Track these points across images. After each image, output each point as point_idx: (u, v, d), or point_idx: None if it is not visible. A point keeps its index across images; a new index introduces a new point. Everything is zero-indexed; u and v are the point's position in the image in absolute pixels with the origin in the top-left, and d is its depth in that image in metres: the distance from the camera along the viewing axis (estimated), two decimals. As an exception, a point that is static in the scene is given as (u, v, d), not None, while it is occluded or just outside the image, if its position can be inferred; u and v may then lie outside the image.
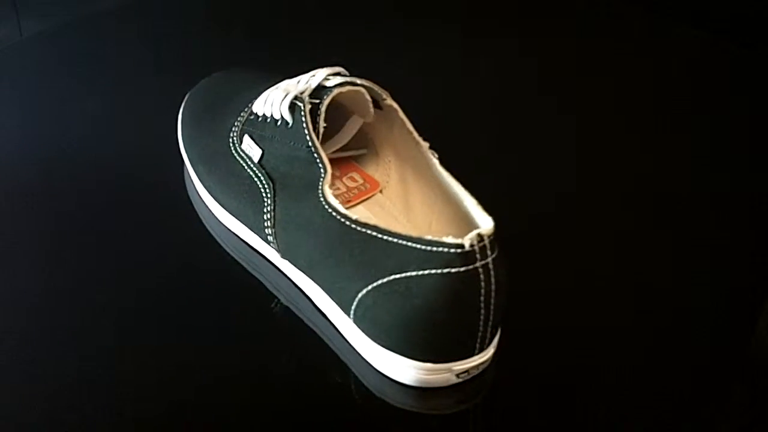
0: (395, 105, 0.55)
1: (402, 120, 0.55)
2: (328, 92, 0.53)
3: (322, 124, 0.54)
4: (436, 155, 0.54)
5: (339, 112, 0.58)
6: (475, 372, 0.50)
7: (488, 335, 0.48)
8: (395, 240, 0.48)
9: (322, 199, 0.51)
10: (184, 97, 0.65)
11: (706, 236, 0.62)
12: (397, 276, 0.47)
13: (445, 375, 0.49)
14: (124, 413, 0.50)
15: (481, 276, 0.46)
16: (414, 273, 0.47)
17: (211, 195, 0.59)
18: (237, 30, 0.82)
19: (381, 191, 0.58)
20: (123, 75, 0.76)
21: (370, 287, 0.48)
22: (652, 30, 0.83)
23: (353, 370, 0.52)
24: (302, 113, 0.53)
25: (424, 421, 0.50)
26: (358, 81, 0.54)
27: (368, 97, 0.55)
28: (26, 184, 0.65)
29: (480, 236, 0.46)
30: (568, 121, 0.72)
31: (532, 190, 0.65)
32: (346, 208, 0.57)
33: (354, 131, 0.59)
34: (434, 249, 0.46)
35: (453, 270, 0.46)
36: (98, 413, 0.50)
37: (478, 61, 0.79)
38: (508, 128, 0.71)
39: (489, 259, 0.46)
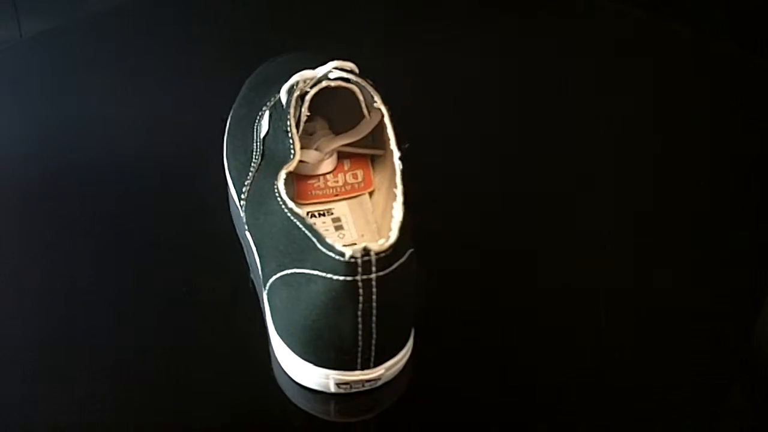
0: (383, 109, 0.55)
1: (386, 125, 0.55)
2: (319, 84, 0.54)
3: (305, 112, 0.55)
4: (401, 166, 0.53)
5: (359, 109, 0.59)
6: (360, 387, 0.49)
7: (372, 353, 0.47)
8: (309, 235, 0.48)
9: (276, 181, 0.52)
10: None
11: (705, 236, 0.62)
12: (296, 270, 0.47)
13: (324, 381, 0.49)
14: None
15: (360, 291, 0.45)
16: (306, 271, 0.47)
17: (227, 163, 0.62)
18: (239, 28, 0.81)
19: (371, 193, 0.58)
20: (124, 75, 0.75)
21: (279, 275, 0.49)
22: (652, 30, 0.82)
23: (273, 354, 0.52)
24: (291, 97, 0.54)
25: (305, 421, 0.50)
26: (354, 78, 0.55)
27: (360, 97, 0.55)
28: (26, 184, 0.65)
29: (366, 250, 0.45)
30: (566, 122, 0.71)
31: (529, 190, 0.65)
32: (332, 202, 0.58)
33: (368, 130, 0.59)
34: (326, 252, 0.46)
35: (334, 277, 0.45)
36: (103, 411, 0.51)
37: (477, 60, 0.77)
38: (506, 128, 0.71)
39: (372, 276, 0.45)
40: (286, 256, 0.49)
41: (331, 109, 0.60)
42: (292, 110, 0.54)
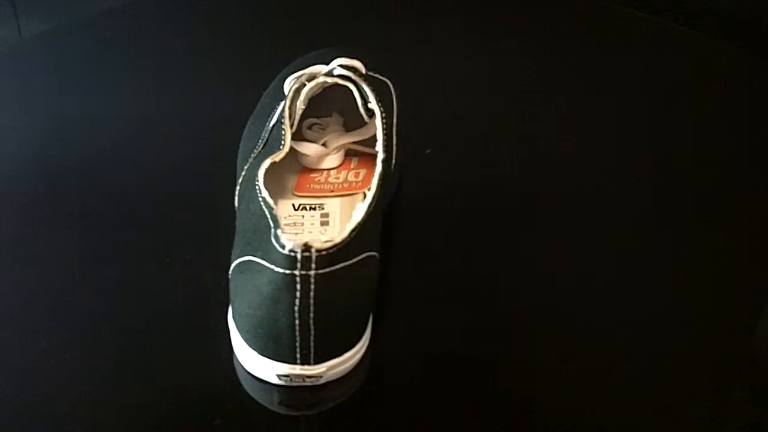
0: (376, 110, 0.55)
1: (376, 126, 0.54)
2: (315, 79, 0.55)
3: (299, 105, 0.55)
4: (381, 169, 0.53)
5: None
6: (301, 382, 0.49)
7: (311, 350, 0.47)
8: (269, 225, 0.49)
9: (259, 168, 0.53)
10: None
11: (706, 236, 0.62)
12: (251, 258, 0.48)
13: (267, 371, 0.49)
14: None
15: (298, 286, 0.45)
16: (257, 259, 0.47)
17: (240, 148, 0.63)
18: (239, 28, 0.81)
19: (365, 193, 0.58)
20: (124, 75, 0.75)
21: (238, 260, 0.50)
22: (652, 30, 0.82)
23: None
24: (290, 89, 0.55)
25: (241, 406, 0.51)
26: (353, 77, 0.55)
27: (357, 95, 0.55)
28: (25, 184, 0.65)
29: (307, 246, 0.45)
30: (567, 122, 0.72)
31: (527, 190, 0.65)
32: (326, 198, 0.58)
33: (374, 130, 0.59)
34: (273, 243, 0.46)
35: (276, 269, 0.46)
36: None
37: (476, 60, 0.77)
38: (505, 129, 0.71)
39: (311, 272, 0.45)
40: (250, 243, 0.49)
41: (349, 107, 0.60)
42: (287, 102, 0.55)
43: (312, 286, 0.45)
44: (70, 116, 0.71)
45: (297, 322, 0.46)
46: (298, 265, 0.45)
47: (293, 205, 0.57)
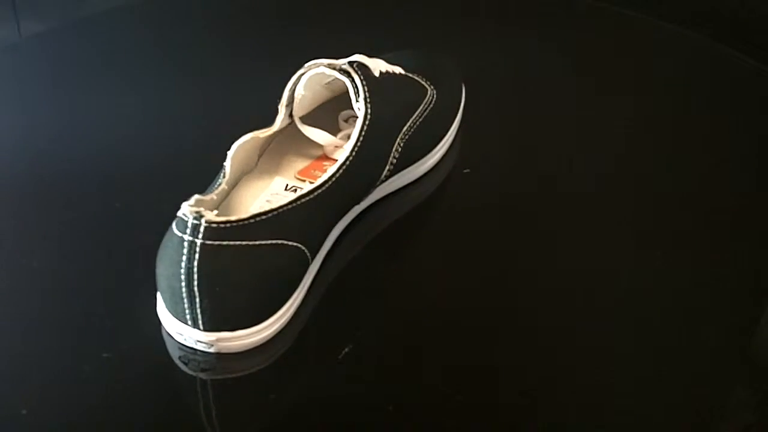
0: (362, 109, 0.55)
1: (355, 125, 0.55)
2: (316, 69, 0.56)
3: (299, 91, 0.57)
4: (335, 169, 0.53)
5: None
6: (193, 344, 0.51)
7: (199, 315, 0.49)
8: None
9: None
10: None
11: (706, 236, 0.62)
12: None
13: (168, 324, 0.51)
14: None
15: (185, 249, 0.47)
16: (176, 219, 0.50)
17: None
18: (237, 28, 0.80)
19: (355, 190, 0.58)
20: (123, 75, 0.75)
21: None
22: (652, 30, 0.83)
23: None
24: (297, 74, 0.57)
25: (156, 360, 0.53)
26: (353, 74, 0.55)
27: (351, 92, 0.55)
28: (25, 184, 0.65)
29: (198, 214, 0.47)
30: (567, 122, 0.72)
31: (527, 190, 0.65)
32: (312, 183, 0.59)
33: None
34: (183, 204, 0.49)
35: (175, 231, 0.48)
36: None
37: (476, 60, 0.76)
38: (505, 129, 0.71)
39: (198, 240, 0.47)
40: (193, 205, 0.52)
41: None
42: (289, 85, 0.57)
43: (197, 255, 0.47)
44: (69, 116, 0.71)
45: (183, 284, 0.48)
46: (188, 231, 0.47)
47: (286, 185, 0.58)
